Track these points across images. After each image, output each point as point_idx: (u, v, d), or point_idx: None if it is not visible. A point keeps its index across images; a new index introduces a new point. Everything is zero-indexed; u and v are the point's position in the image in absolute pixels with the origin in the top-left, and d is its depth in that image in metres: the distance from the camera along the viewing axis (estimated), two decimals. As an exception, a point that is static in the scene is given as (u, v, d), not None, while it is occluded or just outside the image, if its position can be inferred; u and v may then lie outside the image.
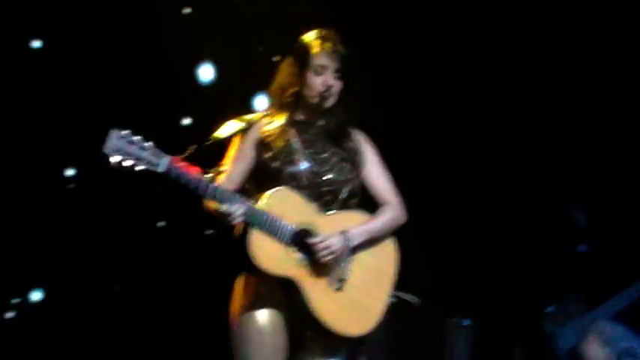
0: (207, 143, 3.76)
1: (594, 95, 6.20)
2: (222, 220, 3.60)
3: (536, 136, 6.32)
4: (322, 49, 3.80)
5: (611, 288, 5.53)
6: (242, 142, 3.81)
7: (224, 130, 3.82)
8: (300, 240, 3.67)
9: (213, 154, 3.80)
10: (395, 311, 4.99)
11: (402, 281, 3.95)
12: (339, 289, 3.73)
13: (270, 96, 3.91)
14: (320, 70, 3.79)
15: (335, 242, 3.69)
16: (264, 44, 6.20)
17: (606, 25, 6.14)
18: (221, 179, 3.72)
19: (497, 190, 6.30)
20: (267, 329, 3.65)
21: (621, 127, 6.13)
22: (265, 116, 3.86)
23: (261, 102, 6.03)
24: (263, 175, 3.77)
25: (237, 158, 3.80)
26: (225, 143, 3.84)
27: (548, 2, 6.19)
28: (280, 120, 3.81)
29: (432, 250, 6.11)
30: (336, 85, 3.80)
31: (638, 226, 5.81)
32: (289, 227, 3.65)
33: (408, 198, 4.00)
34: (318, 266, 3.68)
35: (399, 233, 3.93)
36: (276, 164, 3.75)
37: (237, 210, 3.56)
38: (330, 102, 3.82)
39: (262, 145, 3.79)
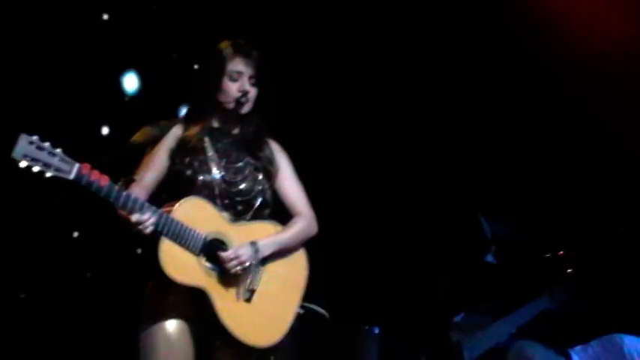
0: (120, 150, 3.74)
1: (506, 112, 6.32)
2: (132, 229, 3.58)
3: (447, 148, 6.41)
4: (237, 55, 3.83)
5: (517, 299, 5.67)
6: (156, 149, 3.80)
7: (139, 137, 3.81)
8: (211, 250, 3.68)
9: (129, 161, 3.79)
10: (304, 321, 5.09)
11: (313, 291, 3.99)
12: (248, 299, 3.75)
13: (187, 103, 3.94)
14: (235, 77, 3.83)
15: (244, 253, 3.71)
16: (178, 51, 6.17)
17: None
18: (134, 187, 3.70)
19: (407, 200, 6.38)
20: (175, 338, 3.65)
21: (528, 142, 6.25)
22: (181, 123, 3.85)
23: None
24: (176, 183, 3.76)
25: (150, 166, 3.79)
26: (140, 150, 3.83)
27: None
28: (195, 128, 3.82)
29: (341, 259, 6.16)
30: (252, 92, 3.84)
31: (543, 239, 5.95)
32: (200, 237, 3.65)
33: (319, 209, 4.04)
34: (228, 276, 3.69)
35: (310, 244, 3.97)
36: (189, 173, 3.75)
37: (147, 219, 3.55)
38: (245, 108, 3.84)
39: (176, 153, 3.79)
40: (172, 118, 3.90)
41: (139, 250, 3.87)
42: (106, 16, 6.13)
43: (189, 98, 3.95)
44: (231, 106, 3.83)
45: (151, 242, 3.61)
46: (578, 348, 5.24)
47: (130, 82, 6.22)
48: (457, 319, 5.86)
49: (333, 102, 6.39)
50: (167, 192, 3.79)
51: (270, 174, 3.90)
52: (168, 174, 3.79)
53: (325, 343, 5.87)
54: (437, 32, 6.30)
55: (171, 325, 3.66)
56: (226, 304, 3.68)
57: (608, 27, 5.84)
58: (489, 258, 5.82)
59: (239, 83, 3.83)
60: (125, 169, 3.77)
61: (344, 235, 6.17)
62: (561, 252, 5.81)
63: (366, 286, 6.24)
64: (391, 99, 6.44)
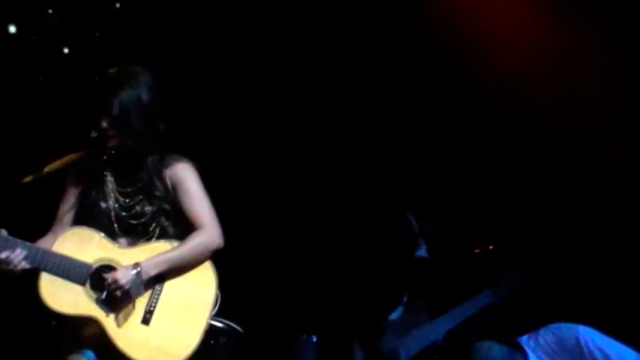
0: (27, 180, 3.64)
1: (427, 113, 6.29)
2: (3, 269, 3.50)
3: (373, 145, 6.38)
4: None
5: (452, 295, 5.62)
6: (67, 182, 3.83)
7: (58, 164, 3.75)
8: (98, 278, 3.64)
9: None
10: (229, 336, 5.01)
11: (243, 305, 3.92)
12: (145, 322, 3.69)
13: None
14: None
15: (122, 276, 3.65)
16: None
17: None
18: (55, 224, 3.75)
19: (333, 199, 6.33)
20: None
21: (457, 140, 6.24)
22: (81, 157, 3.81)
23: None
24: (84, 214, 3.77)
25: (63, 199, 3.82)
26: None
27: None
28: (97, 159, 3.82)
29: (273, 269, 6.10)
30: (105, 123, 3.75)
31: (474, 235, 5.94)
32: (85, 266, 3.60)
33: (233, 221, 3.97)
34: (116, 302, 3.65)
35: (238, 256, 3.91)
36: (89, 202, 3.76)
37: (17, 256, 3.47)
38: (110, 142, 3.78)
39: (81, 184, 3.80)
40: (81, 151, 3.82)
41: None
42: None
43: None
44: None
45: (34, 283, 3.58)
46: (525, 338, 5.12)
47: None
48: (393, 316, 5.79)
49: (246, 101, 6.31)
50: (78, 222, 3.77)
51: (167, 193, 3.85)
52: (79, 204, 3.80)
53: (264, 356, 5.82)
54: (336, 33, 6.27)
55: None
56: (122, 330, 3.63)
57: (512, 31, 5.87)
58: (421, 253, 5.77)
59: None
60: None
61: (274, 245, 6.10)
62: (491, 246, 5.80)
63: (298, 294, 6.16)
64: (315, 99, 6.39)
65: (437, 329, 5.53)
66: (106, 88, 3.77)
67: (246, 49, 6.34)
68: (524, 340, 5.12)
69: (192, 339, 3.77)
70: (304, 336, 5.86)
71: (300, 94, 6.42)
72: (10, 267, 3.48)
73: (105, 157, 3.81)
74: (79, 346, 3.64)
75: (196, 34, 6.17)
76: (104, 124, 3.74)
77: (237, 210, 4.14)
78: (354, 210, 6.28)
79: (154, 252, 3.76)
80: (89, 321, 3.61)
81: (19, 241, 3.51)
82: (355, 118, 6.36)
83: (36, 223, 3.92)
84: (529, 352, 5.00)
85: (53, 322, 3.96)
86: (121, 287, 3.64)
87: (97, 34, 6.16)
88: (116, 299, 3.64)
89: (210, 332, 3.89)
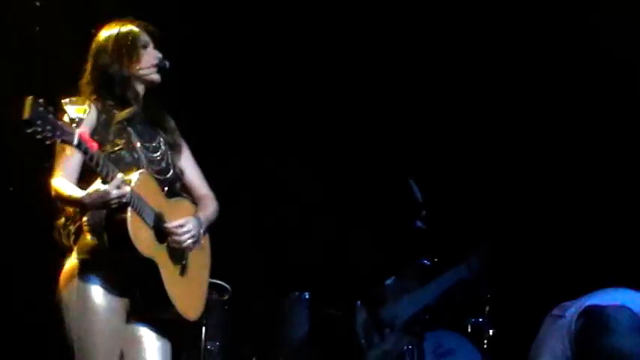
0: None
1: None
2: (104, 199, 3.45)
3: (374, 113, 6.43)
4: (141, 27, 3.85)
5: (442, 263, 5.78)
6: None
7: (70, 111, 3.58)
8: (158, 224, 3.66)
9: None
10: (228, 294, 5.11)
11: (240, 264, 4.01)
12: (182, 274, 3.77)
13: (84, 84, 3.81)
14: (147, 45, 3.83)
15: (193, 227, 3.74)
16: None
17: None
18: (59, 171, 3.64)
19: (333, 165, 6.40)
20: (110, 316, 3.61)
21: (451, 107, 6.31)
22: (93, 102, 3.74)
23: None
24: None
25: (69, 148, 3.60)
26: None
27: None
28: (111, 107, 3.76)
29: (266, 226, 6.19)
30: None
31: (467, 205, 6.06)
32: (152, 210, 3.63)
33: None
34: (171, 250, 3.70)
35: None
36: (117, 151, 3.69)
37: (123, 191, 3.47)
38: (159, 76, 3.83)
39: (99, 132, 3.71)
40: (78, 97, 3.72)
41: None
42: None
43: (87, 79, 3.79)
44: (152, 73, 3.82)
45: (108, 219, 3.55)
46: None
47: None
48: (387, 282, 5.95)
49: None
50: (86, 176, 3.65)
51: (179, 148, 3.91)
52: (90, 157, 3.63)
53: (256, 312, 5.92)
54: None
55: (108, 303, 3.62)
56: (170, 277, 3.68)
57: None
58: (418, 223, 5.88)
59: (150, 51, 3.83)
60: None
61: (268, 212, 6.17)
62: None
63: (294, 253, 6.25)
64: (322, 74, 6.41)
65: (425, 295, 5.75)
66: (152, 28, 3.87)
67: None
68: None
69: (204, 294, 3.93)
70: (296, 293, 5.97)
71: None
72: (121, 197, 3.46)
73: (120, 108, 3.77)
74: (121, 285, 3.64)
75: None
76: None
77: (228, 168, 4.17)
78: (360, 172, 6.35)
79: (188, 209, 3.83)
80: (145, 263, 3.60)
81: (122, 176, 3.50)
82: (363, 84, 6.39)
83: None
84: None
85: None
86: (192, 237, 3.71)
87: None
88: (175, 248, 3.70)
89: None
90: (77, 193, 3.55)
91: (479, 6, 6.07)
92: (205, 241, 3.94)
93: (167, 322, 3.77)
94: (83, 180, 3.63)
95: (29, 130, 3.25)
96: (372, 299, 5.80)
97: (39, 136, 3.28)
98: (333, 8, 6.17)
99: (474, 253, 5.84)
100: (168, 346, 3.80)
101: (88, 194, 3.48)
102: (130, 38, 3.80)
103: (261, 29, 6.17)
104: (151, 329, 3.76)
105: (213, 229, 3.95)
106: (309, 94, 6.34)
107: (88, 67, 3.83)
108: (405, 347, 5.60)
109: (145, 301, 3.67)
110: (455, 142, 6.35)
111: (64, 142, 3.34)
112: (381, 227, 6.07)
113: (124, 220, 3.50)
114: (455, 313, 5.88)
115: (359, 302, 5.79)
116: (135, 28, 3.83)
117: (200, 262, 3.89)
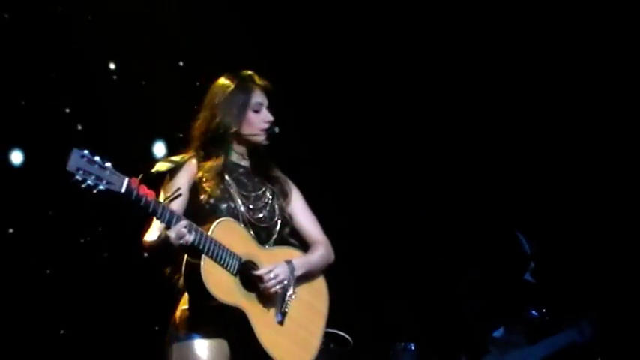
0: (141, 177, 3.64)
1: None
2: (168, 246, 3.52)
3: (486, 161, 6.39)
4: (258, 87, 3.85)
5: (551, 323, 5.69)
6: (175, 181, 3.73)
7: (159, 168, 3.73)
8: (245, 271, 3.67)
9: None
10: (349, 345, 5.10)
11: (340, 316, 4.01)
12: (280, 322, 3.74)
13: (193, 136, 3.86)
14: (259, 108, 3.84)
15: (282, 272, 3.71)
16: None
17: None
18: (151, 229, 3.67)
19: (443, 216, 6.36)
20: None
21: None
22: (194, 157, 3.81)
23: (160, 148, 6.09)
24: (199, 212, 3.71)
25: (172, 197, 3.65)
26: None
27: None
28: (211, 160, 3.80)
29: (370, 278, 6.19)
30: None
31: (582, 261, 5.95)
32: (236, 257, 3.64)
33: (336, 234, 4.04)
34: (263, 298, 3.69)
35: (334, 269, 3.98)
36: (212, 201, 3.74)
37: (187, 231, 3.50)
38: (267, 139, 3.85)
39: (196, 184, 3.76)
40: (182, 153, 3.84)
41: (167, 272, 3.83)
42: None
43: (196, 133, 3.84)
44: (259, 137, 3.84)
45: (187, 267, 3.61)
46: None
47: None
48: (496, 334, 5.88)
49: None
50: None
51: (287, 198, 3.91)
52: (189, 204, 3.75)
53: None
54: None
55: (208, 349, 3.65)
56: (264, 327, 3.67)
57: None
58: (527, 276, 5.81)
59: (262, 114, 3.84)
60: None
61: (371, 256, 6.18)
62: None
63: (400, 303, 6.22)
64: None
65: (535, 353, 5.66)
66: (268, 89, 3.88)
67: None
68: None
69: (314, 345, 3.85)
70: (402, 343, 5.93)
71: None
72: (181, 242, 3.49)
73: (222, 162, 3.80)
74: (217, 334, 3.66)
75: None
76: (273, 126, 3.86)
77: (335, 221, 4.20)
78: (468, 223, 6.30)
79: (290, 256, 3.81)
80: (233, 312, 3.62)
81: (189, 221, 3.54)
82: (473, 132, 6.37)
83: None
84: None
85: (156, 328, 3.94)
86: (280, 282, 3.68)
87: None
88: (265, 295, 3.68)
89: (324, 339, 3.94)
90: (155, 240, 3.61)
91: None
92: (320, 287, 3.91)
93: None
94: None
95: (72, 180, 3.32)
96: (476, 350, 5.72)
97: (83, 186, 3.34)
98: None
99: (586, 319, 5.72)
100: None
101: (160, 239, 3.55)
102: (242, 98, 3.83)
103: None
104: None
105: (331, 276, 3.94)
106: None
107: (200, 118, 3.86)
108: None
109: (243, 351, 3.68)
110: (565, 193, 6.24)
111: (109, 190, 3.37)
112: (489, 278, 6.00)
113: (198, 267, 3.53)
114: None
115: (463, 358, 5.73)
116: (252, 87, 3.84)
117: (309, 309, 3.85)
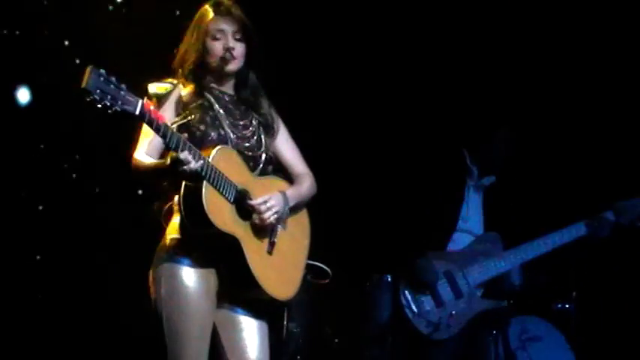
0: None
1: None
2: (167, 170, 3.52)
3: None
4: (217, 13, 3.82)
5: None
6: (160, 109, 3.70)
7: (156, 90, 3.75)
8: (240, 200, 3.68)
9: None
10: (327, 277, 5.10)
11: (317, 249, 4.01)
12: (269, 252, 3.77)
13: (174, 66, 3.87)
14: (218, 35, 3.81)
15: (277, 203, 3.75)
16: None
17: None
18: (141, 148, 3.69)
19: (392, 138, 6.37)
20: (201, 294, 3.64)
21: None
22: (179, 83, 3.82)
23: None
24: (189, 139, 3.66)
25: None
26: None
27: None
28: (197, 87, 3.80)
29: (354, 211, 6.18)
30: (238, 48, 3.81)
31: None
32: (233, 186, 3.65)
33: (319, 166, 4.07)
34: (256, 227, 3.71)
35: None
36: (202, 128, 3.74)
37: (194, 159, 3.49)
38: (232, 66, 3.82)
39: (184, 111, 3.75)
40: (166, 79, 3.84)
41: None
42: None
43: (175, 62, 3.86)
44: (217, 64, 3.82)
45: (186, 193, 3.58)
46: None
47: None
48: (461, 246, 5.73)
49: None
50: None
51: (273, 130, 3.93)
52: (178, 131, 3.67)
53: (337, 295, 5.91)
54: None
55: (196, 281, 3.64)
56: (255, 256, 3.69)
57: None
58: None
59: (222, 41, 3.81)
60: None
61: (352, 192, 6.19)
62: None
63: (374, 235, 6.21)
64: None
65: (507, 260, 5.53)
66: (234, 15, 3.85)
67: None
68: None
69: (297, 277, 3.90)
70: (378, 275, 5.93)
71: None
72: (185, 167, 3.47)
73: (206, 88, 3.81)
74: (207, 264, 3.66)
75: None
76: (235, 48, 3.80)
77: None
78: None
79: (279, 187, 3.83)
80: (226, 240, 3.62)
81: (195, 148, 3.53)
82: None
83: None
84: None
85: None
86: (276, 213, 3.71)
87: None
88: (258, 225, 3.70)
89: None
90: (153, 162, 3.63)
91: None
92: (304, 220, 3.95)
93: (259, 302, 3.78)
94: None
95: (88, 99, 3.28)
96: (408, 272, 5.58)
97: (99, 105, 3.30)
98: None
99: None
100: (265, 326, 3.83)
101: (162, 162, 3.56)
102: (199, 26, 3.82)
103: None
104: (247, 309, 3.78)
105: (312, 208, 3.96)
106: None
107: (180, 48, 3.88)
108: (489, 333, 5.49)
109: (231, 279, 3.69)
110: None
111: (124, 111, 3.36)
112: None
113: (199, 194, 3.53)
114: (540, 299, 5.75)
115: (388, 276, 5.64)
116: (209, 14, 3.82)
117: (294, 241, 3.88)
